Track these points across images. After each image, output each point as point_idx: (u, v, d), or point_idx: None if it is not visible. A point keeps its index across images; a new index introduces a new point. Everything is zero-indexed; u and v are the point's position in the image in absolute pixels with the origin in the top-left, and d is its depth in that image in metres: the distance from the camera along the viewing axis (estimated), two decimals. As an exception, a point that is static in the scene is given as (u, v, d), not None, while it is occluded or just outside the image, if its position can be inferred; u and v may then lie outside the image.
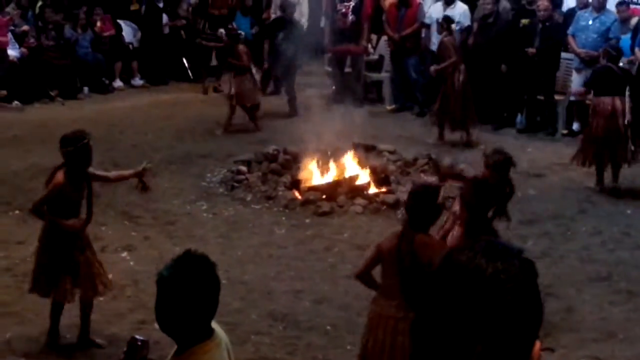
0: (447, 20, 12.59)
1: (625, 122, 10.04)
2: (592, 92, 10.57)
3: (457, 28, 13.72)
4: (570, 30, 12.85)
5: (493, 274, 1.71)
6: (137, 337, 3.44)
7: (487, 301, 1.70)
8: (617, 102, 10.06)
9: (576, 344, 6.39)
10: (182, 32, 16.67)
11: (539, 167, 11.08)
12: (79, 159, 6.00)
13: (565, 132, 12.90)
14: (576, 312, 6.88)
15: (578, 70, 12.78)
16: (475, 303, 1.70)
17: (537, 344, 1.79)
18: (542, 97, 13.08)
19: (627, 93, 10.24)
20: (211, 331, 3.25)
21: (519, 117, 13.41)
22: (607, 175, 10.27)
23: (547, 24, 12.91)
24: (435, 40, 13.76)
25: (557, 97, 13.16)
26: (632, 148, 10.17)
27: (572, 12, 13.67)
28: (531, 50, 12.76)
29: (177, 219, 8.93)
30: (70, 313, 6.32)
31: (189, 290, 3.14)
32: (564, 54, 13.26)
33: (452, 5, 13.83)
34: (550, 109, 13.20)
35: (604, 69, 10.32)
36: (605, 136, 10.01)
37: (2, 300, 6.86)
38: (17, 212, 8.96)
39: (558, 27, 13.13)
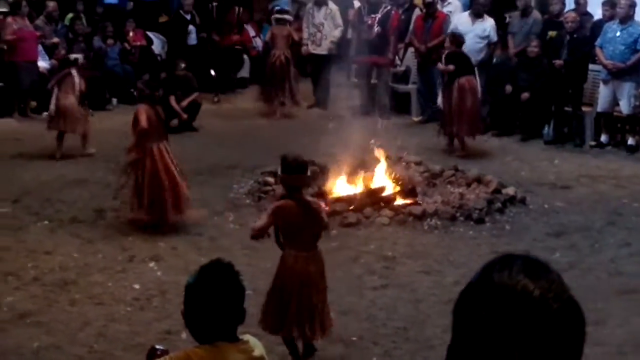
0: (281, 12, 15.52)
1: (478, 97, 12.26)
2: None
3: (486, 42, 13.78)
4: (598, 42, 12.80)
5: (541, 296, 1.66)
6: (158, 346, 3.49)
7: (537, 323, 1.65)
8: (472, 81, 12.10)
9: (603, 357, 6.34)
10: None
11: (566, 179, 11.04)
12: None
13: (593, 143, 12.85)
14: (603, 325, 6.82)
15: (605, 82, 12.73)
16: (525, 326, 1.64)
17: None
18: (569, 109, 13.05)
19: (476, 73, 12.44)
20: (236, 338, 3.37)
21: (546, 129, 13.37)
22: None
23: (574, 35, 12.90)
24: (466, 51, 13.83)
25: (584, 108, 13.12)
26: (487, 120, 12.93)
27: (599, 23, 13.64)
28: (559, 62, 12.75)
29: (204, 230, 8.96)
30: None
31: (212, 297, 3.32)
32: (591, 66, 13.22)
33: (481, 19, 13.85)
34: (577, 121, 13.15)
35: (454, 54, 12.18)
36: (467, 110, 11.94)
37: (31, 310, 6.91)
38: (45, 222, 9.05)
39: (585, 39, 13.12)
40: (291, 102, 15.15)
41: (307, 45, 15.64)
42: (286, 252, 5.97)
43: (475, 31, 13.81)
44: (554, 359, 1.67)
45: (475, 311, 1.70)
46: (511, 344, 1.65)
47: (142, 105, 8.88)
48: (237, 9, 17.35)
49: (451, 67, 12.09)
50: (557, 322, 1.66)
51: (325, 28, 15.44)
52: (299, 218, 5.82)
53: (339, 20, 15.44)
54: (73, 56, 12.53)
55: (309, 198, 6.28)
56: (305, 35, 15.71)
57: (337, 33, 15.41)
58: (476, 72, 12.47)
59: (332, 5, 15.51)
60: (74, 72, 11.79)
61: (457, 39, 12.51)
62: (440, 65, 12.42)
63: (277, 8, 16.33)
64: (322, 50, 15.48)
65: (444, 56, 12.36)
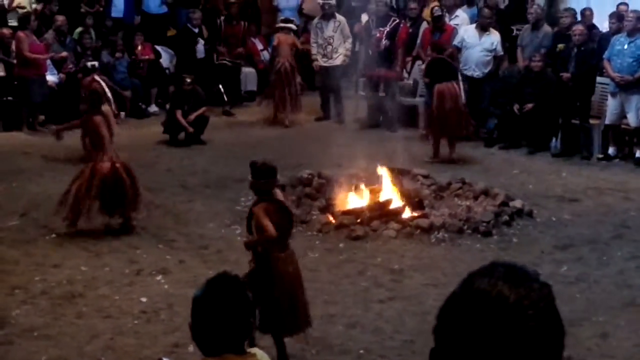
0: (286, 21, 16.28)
1: (463, 102, 12.44)
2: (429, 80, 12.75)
3: (493, 55, 13.80)
4: (606, 55, 12.80)
5: (516, 302, 1.68)
6: (165, 359, 3.50)
7: (510, 329, 1.67)
8: (452, 86, 12.30)
9: (611, 370, 6.35)
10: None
11: (574, 192, 11.03)
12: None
13: (600, 156, 12.83)
14: (611, 337, 6.83)
15: (613, 95, 12.73)
16: (498, 331, 1.67)
17: None
18: (577, 122, 13.04)
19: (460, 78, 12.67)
20: (243, 351, 3.37)
21: (553, 142, 13.37)
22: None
23: (582, 48, 12.90)
24: (473, 64, 13.79)
25: (592, 121, 13.12)
26: (473, 123, 12.80)
27: (606, 36, 13.65)
28: (566, 75, 12.75)
29: (212, 243, 8.98)
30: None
31: (219, 309, 3.31)
32: (599, 79, 13.22)
33: (488, 33, 13.86)
34: (585, 133, 13.14)
35: (435, 61, 12.63)
36: (447, 115, 12.17)
37: (38, 323, 6.93)
38: (53, 235, 9.07)
39: (593, 52, 13.12)
40: (292, 110, 15.26)
41: (316, 59, 15.63)
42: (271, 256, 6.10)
43: (483, 45, 13.82)
44: None
45: (454, 316, 1.74)
46: (487, 348, 1.68)
47: (98, 117, 9.34)
48: (243, 23, 17.40)
49: (426, 79, 12.77)
50: (531, 329, 1.68)
51: (335, 41, 15.43)
52: (277, 219, 6.03)
53: (348, 32, 15.44)
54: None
55: (280, 198, 6.38)
56: (314, 50, 15.70)
57: (347, 45, 15.42)
58: (459, 78, 12.74)
59: (340, 18, 15.50)
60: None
61: (437, 45, 12.94)
62: (421, 71, 13.00)
63: (282, 17, 16.74)
64: (334, 62, 15.45)
65: (425, 64, 12.90)
